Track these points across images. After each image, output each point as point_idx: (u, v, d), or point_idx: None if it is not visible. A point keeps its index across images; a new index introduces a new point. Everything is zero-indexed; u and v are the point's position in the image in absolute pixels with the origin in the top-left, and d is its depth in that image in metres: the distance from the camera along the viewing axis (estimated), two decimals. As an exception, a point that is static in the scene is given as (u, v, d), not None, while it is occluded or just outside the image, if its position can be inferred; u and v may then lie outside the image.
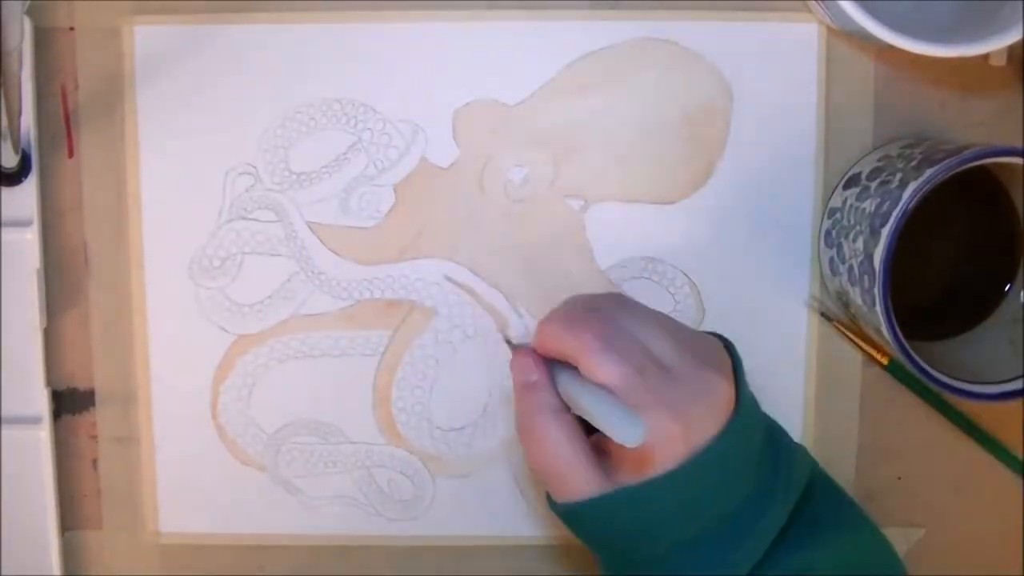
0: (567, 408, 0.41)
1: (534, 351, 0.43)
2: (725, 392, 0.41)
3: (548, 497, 0.43)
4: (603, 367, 0.40)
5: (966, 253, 0.50)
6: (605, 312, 0.42)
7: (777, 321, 0.52)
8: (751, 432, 0.42)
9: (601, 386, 0.40)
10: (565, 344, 0.41)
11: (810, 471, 0.44)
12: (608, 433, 0.38)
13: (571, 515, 0.42)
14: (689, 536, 0.41)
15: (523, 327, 0.52)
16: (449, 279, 0.52)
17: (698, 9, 0.50)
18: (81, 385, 0.53)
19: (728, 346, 0.44)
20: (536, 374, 0.42)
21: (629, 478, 0.41)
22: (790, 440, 0.45)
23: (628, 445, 0.37)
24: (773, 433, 0.44)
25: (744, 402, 0.42)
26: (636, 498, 0.40)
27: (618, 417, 0.38)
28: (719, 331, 0.44)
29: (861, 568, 0.43)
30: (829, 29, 0.50)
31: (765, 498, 0.41)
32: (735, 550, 0.41)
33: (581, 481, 0.41)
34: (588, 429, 0.41)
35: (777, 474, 0.42)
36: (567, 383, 0.41)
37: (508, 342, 0.46)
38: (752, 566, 0.41)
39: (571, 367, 0.41)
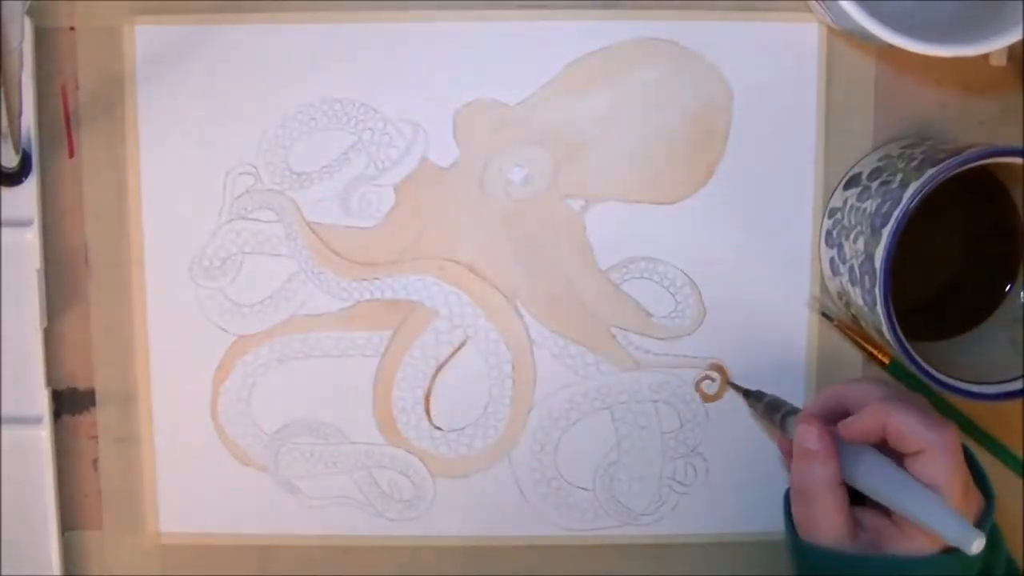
0: (842, 481, 0.43)
1: (816, 419, 0.44)
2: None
3: (789, 527, 0.45)
4: (953, 471, 0.41)
5: (966, 253, 0.50)
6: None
7: (777, 321, 0.52)
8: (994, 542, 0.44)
9: (920, 481, 0.41)
10: (922, 439, 0.41)
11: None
12: (940, 535, 0.40)
13: (814, 554, 0.43)
14: None
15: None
16: (449, 279, 0.52)
17: (698, 9, 0.50)
18: (81, 385, 0.53)
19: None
20: (818, 445, 0.43)
21: (877, 542, 0.43)
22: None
23: (968, 552, 0.39)
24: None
25: (992, 515, 0.43)
26: (889, 567, 0.42)
27: (953, 529, 0.39)
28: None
29: None
30: (829, 29, 0.50)
31: None
32: None
33: (832, 538, 0.43)
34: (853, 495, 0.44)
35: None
36: (872, 470, 0.42)
37: (735, 386, 0.50)
38: None
39: (868, 448, 0.43)
